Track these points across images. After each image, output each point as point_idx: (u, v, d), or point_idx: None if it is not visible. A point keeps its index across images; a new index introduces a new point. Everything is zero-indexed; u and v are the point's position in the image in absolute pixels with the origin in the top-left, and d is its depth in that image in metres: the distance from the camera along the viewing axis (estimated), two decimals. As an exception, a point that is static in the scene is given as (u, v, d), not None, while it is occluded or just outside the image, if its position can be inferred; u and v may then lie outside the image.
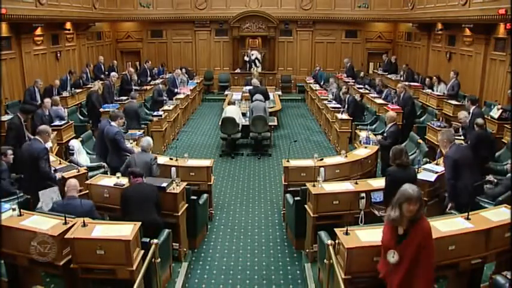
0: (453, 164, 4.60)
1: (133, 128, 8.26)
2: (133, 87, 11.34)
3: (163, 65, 15.39)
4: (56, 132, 7.58)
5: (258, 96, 9.31)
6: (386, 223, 3.19)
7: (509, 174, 5.32)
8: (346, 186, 5.07)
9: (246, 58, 15.36)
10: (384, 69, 14.69)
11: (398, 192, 3.05)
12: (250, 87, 11.10)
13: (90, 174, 5.75)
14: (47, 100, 7.95)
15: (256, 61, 15.35)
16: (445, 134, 4.90)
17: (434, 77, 10.82)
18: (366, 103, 10.72)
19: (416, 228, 3.01)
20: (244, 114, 9.54)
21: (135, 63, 15.92)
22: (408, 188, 3.03)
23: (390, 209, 3.09)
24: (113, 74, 10.91)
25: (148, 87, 12.48)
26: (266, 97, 10.39)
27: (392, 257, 3.04)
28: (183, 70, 14.07)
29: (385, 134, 6.74)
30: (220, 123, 9.00)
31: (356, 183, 5.10)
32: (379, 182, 5.22)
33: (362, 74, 14.30)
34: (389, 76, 14.13)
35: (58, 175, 5.23)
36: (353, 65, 14.74)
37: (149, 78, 13.46)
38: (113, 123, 6.19)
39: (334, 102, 10.59)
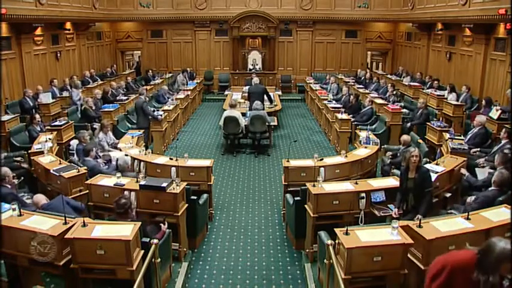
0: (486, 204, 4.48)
1: (140, 124, 8.58)
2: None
3: (154, 71, 15.46)
4: (56, 132, 7.58)
5: (256, 104, 9.25)
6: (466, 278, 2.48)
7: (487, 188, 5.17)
8: (346, 186, 5.07)
9: (251, 67, 15.38)
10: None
11: (493, 253, 2.42)
12: (251, 85, 11.15)
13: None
14: (38, 116, 8.01)
15: (257, 67, 15.40)
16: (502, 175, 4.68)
17: (448, 86, 10.57)
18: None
19: None
20: (243, 114, 9.54)
21: (132, 63, 15.99)
22: (504, 244, 2.40)
23: (482, 274, 2.43)
24: (96, 91, 10.51)
25: (148, 87, 12.60)
26: (268, 96, 10.36)
27: None
28: (183, 75, 13.93)
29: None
30: (222, 123, 9.00)
31: (356, 183, 5.10)
32: (379, 182, 5.25)
33: (366, 74, 14.27)
34: (389, 76, 14.17)
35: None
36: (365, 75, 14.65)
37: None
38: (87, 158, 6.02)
39: (334, 102, 10.60)
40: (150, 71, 15.10)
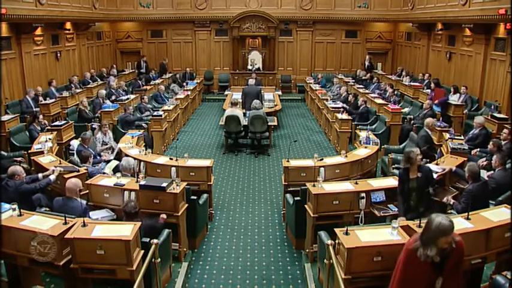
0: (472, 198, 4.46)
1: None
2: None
3: (155, 70, 15.49)
4: (56, 132, 7.58)
5: (255, 103, 9.23)
6: (418, 260, 2.90)
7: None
8: (346, 186, 5.07)
9: (250, 67, 15.36)
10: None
11: (430, 228, 2.84)
12: (246, 86, 11.20)
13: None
14: (42, 117, 8.13)
15: (256, 67, 15.37)
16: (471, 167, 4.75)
17: (452, 87, 10.48)
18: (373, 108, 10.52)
19: (455, 251, 2.88)
20: (244, 114, 9.56)
21: (134, 63, 15.99)
22: (441, 219, 2.81)
23: (423, 248, 2.86)
24: (100, 91, 10.50)
25: (148, 87, 12.67)
26: (260, 98, 10.30)
27: (438, 283, 2.91)
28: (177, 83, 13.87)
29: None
30: (224, 122, 9.02)
31: (356, 183, 5.10)
32: (379, 182, 5.24)
33: (367, 74, 14.31)
34: (389, 76, 14.17)
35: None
36: (363, 75, 14.66)
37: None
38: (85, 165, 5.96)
39: (337, 102, 10.59)
40: (153, 70, 15.16)
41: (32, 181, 5.14)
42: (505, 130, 6.74)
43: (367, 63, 15.24)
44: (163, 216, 4.57)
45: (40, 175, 5.31)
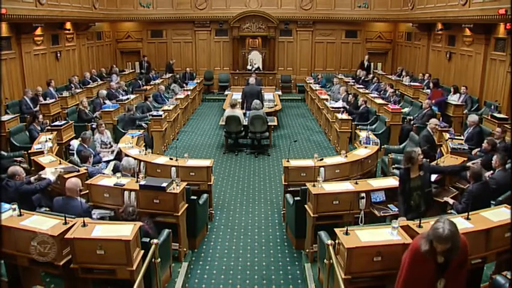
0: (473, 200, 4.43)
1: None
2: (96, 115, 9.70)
3: (155, 69, 15.60)
4: (56, 132, 7.58)
5: (256, 104, 9.22)
6: (424, 259, 2.88)
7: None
8: (346, 186, 5.07)
9: (249, 67, 15.34)
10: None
11: (431, 228, 2.83)
12: (247, 86, 11.19)
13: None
14: (41, 117, 8.16)
15: (255, 66, 15.36)
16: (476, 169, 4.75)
17: (452, 87, 10.46)
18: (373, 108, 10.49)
19: (460, 251, 2.85)
20: (244, 114, 9.56)
21: (134, 62, 16.00)
22: (440, 226, 2.76)
23: (423, 240, 2.86)
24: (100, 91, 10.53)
25: (148, 87, 12.68)
26: (260, 98, 10.31)
27: (439, 284, 2.91)
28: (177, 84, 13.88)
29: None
30: (224, 122, 9.03)
31: (356, 183, 5.10)
32: (379, 182, 5.24)
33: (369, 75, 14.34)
34: (389, 76, 14.18)
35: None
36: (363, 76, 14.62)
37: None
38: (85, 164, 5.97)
39: (333, 102, 10.59)
40: (153, 71, 15.22)
41: (27, 183, 5.09)
42: (498, 129, 6.74)
43: (366, 63, 15.23)
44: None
45: (32, 179, 5.22)
